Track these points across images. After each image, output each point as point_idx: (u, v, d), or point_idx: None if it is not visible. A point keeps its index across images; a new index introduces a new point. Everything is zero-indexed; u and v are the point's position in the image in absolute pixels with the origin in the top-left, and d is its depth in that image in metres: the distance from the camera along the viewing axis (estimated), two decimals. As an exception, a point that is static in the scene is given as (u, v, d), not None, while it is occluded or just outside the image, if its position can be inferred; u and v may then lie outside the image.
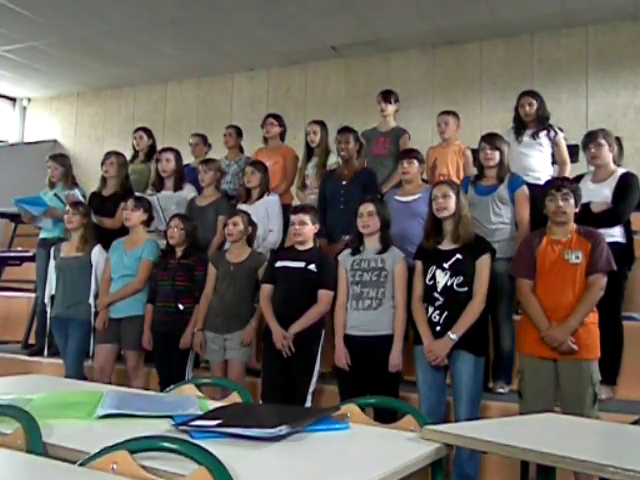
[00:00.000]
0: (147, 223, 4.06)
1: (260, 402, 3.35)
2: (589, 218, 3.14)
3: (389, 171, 4.42)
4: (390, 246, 3.26)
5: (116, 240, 4.07)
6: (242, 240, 3.70)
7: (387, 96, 4.64)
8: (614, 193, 3.37)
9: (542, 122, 4.06)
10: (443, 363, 2.94)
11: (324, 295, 3.33)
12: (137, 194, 4.37)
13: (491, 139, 3.58)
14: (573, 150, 4.43)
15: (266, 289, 3.47)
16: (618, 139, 3.83)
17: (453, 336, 2.90)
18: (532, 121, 4.05)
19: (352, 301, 3.24)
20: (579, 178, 3.59)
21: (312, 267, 3.35)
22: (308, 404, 3.28)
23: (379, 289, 3.18)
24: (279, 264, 3.45)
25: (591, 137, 3.48)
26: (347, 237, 3.77)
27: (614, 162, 3.53)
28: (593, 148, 3.45)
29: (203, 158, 4.85)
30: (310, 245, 3.47)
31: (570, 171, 4.02)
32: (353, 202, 3.50)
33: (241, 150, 5.14)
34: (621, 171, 3.47)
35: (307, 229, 3.43)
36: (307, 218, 3.43)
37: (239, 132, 5.13)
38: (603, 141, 3.43)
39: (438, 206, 3.02)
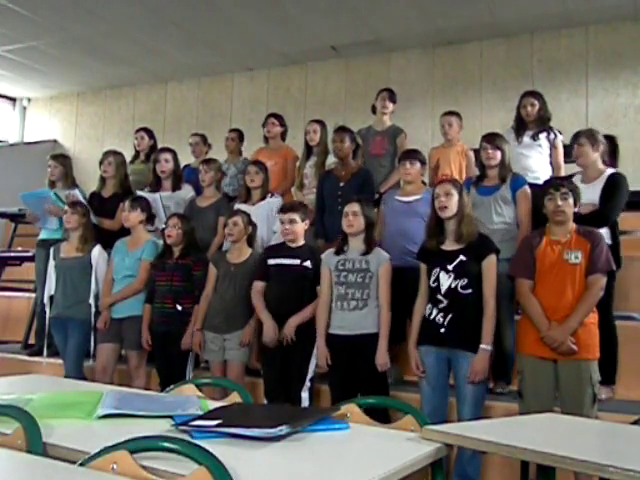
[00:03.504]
0: (150, 222, 4.05)
1: (265, 401, 3.37)
2: (577, 219, 3.13)
3: (387, 171, 4.42)
4: (374, 247, 3.26)
5: (119, 240, 4.07)
6: (242, 240, 3.70)
7: (392, 95, 4.66)
8: (602, 194, 3.36)
9: (543, 123, 4.06)
10: (483, 377, 2.91)
11: None
12: (139, 193, 4.36)
13: (493, 139, 3.57)
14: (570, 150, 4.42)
15: (259, 285, 3.47)
16: (612, 138, 3.80)
17: (487, 347, 2.88)
18: (533, 122, 4.05)
19: (337, 301, 3.24)
20: (569, 177, 3.58)
21: (307, 264, 3.36)
22: (304, 403, 3.29)
23: (364, 290, 3.18)
24: (272, 262, 3.44)
25: (575, 137, 3.49)
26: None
27: (604, 162, 3.52)
28: (576, 148, 3.46)
29: (203, 158, 4.85)
30: (302, 241, 3.48)
31: (570, 171, 4.01)
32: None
33: (240, 153, 5.14)
34: (609, 172, 3.46)
35: (297, 226, 3.43)
36: (296, 216, 3.43)
37: (241, 136, 5.13)
38: (584, 141, 3.42)
39: (440, 205, 3.00)
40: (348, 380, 3.17)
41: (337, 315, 3.23)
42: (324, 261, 3.33)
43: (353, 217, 3.24)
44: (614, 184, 3.37)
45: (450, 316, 2.94)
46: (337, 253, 3.30)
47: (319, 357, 3.26)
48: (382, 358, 3.11)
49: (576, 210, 2.98)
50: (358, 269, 3.21)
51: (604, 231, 3.34)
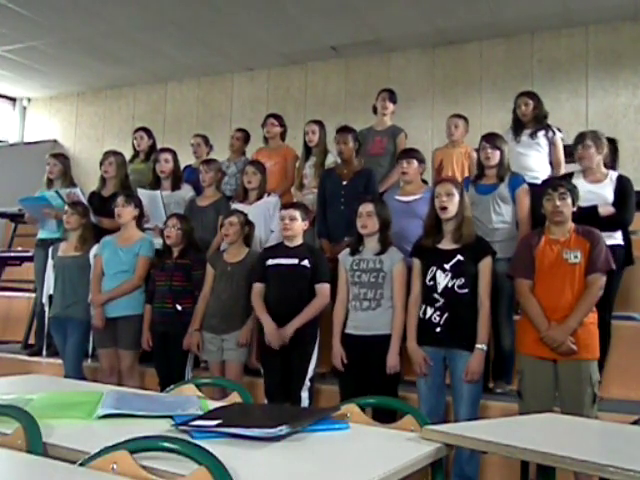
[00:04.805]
0: (139, 220, 4.02)
1: (265, 400, 3.36)
2: (594, 220, 3.13)
3: (385, 170, 4.42)
4: (389, 247, 3.25)
5: (106, 237, 4.01)
6: (239, 240, 3.70)
7: (392, 95, 4.67)
8: (616, 197, 3.37)
9: (540, 121, 4.06)
10: (479, 376, 2.92)
11: (322, 289, 3.35)
12: (140, 190, 4.36)
13: (492, 138, 3.58)
14: (572, 150, 4.43)
15: (258, 287, 3.46)
16: (613, 141, 3.82)
17: (483, 347, 2.90)
18: (529, 121, 4.05)
19: (352, 301, 3.25)
20: (569, 176, 3.59)
21: (305, 263, 3.36)
22: (304, 403, 3.29)
23: (377, 290, 3.18)
24: (271, 262, 3.44)
25: (580, 138, 3.49)
26: (349, 239, 3.77)
27: (605, 165, 3.53)
28: (580, 149, 3.46)
29: (204, 159, 4.85)
30: (300, 241, 3.48)
31: (565, 170, 4.01)
32: (354, 202, 3.49)
33: (243, 153, 5.14)
34: (616, 173, 3.48)
35: (297, 224, 3.43)
36: (297, 214, 3.44)
37: (246, 137, 5.14)
38: (590, 142, 3.43)
39: (441, 205, 3.00)
40: (359, 381, 3.16)
41: (352, 315, 3.24)
42: (340, 261, 3.35)
43: (367, 217, 3.24)
44: (626, 187, 3.40)
45: (446, 315, 2.94)
46: (352, 253, 3.30)
47: (333, 357, 3.24)
48: (393, 360, 3.10)
49: (600, 211, 2.99)
50: (372, 269, 3.21)
51: (619, 232, 3.37)
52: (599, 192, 3.38)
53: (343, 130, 4.12)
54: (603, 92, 5.92)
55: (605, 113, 5.87)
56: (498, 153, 3.53)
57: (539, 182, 3.71)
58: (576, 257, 2.80)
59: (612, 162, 3.74)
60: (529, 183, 3.65)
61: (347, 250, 3.37)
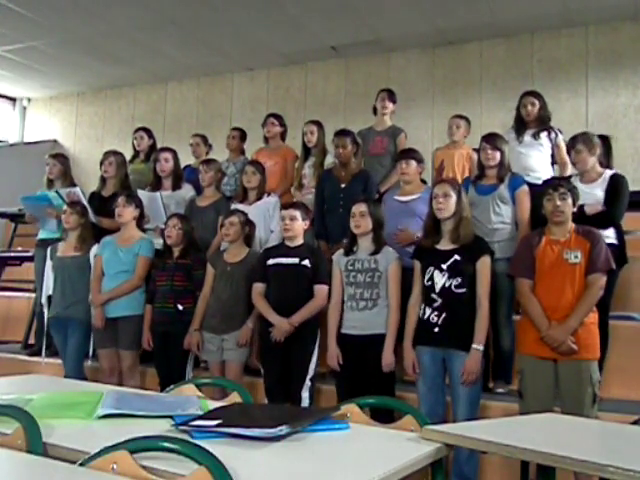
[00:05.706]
0: (139, 220, 4.02)
1: (266, 400, 3.36)
2: (583, 220, 3.14)
3: (387, 170, 4.42)
4: (383, 246, 3.26)
5: (106, 237, 4.02)
6: (240, 240, 3.70)
7: (392, 95, 4.67)
8: (606, 195, 3.37)
9: (544, 122, 4.06)
10: (476, 377, 2.91)
11: (320, 290, 3.36)
12: (140, 192, 4.35)
13: (492, 139, 3.58)
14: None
15: (258, 287, 3.46)
16: (606, 138, 3.82)
17: (479, 347, 2.89)
18: (533, 121, 4.05)
19: (348, 302, 3.25)
20: (568, 178, 3.60)
21: (306, 262, 3.37)
22: (304, 403, 3.29)
23: (373, 290, 3.19)
24: (271, 262, 3.44)
25: (572, 142, 3.49)
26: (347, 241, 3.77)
27: (600, 164, 3.52)
28: (573, 154, 3.47)
29: (204, 158, 4.85)
30: (301, 241, 3.48)
31: (571, 171, 4.01)
32: (352, 205, 3.49)
33: (242, 152, 5.14)
34: (610, 172, 3.48)
35: (297, 224, 3.44)
36: (297, 214, 3.44)
37: (243, 135, 5.13)
38: (581, 147, 3.43)
39: (438, 206, 3.01)
40: (356, 381, 3.16)
41: (349, 315, 3.24)
42: (335, 262, 3.35)
43: (360, 217, 3.24)
44: (617, 185, 3.39)
45: (444, 315, 2.94)
46: (347, 254, 3.31)
47: (329, 358, 3.25)
48: (388, 358, 3.11)
49: (587, 210, 2.97)
50: (367, 269, 3.22)
51: (610, 231, 3.36)
52: (590, 192, 3.38)
53: (341, 133, 4.10)
54: (603, 92, 5.92)
55: (605, 113, 5.86)
56: (498, 154, 3.53)
57: (540, 183, 3.70)
58: (576, 257, 2.80)
59: (606, 160, 3.73)
60: (530, 183, 3.65)
61: (341, 250, 3.37)
